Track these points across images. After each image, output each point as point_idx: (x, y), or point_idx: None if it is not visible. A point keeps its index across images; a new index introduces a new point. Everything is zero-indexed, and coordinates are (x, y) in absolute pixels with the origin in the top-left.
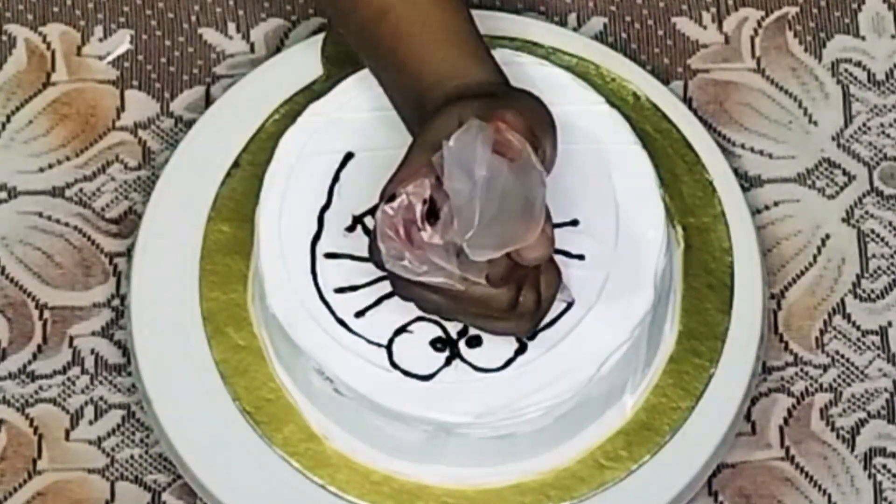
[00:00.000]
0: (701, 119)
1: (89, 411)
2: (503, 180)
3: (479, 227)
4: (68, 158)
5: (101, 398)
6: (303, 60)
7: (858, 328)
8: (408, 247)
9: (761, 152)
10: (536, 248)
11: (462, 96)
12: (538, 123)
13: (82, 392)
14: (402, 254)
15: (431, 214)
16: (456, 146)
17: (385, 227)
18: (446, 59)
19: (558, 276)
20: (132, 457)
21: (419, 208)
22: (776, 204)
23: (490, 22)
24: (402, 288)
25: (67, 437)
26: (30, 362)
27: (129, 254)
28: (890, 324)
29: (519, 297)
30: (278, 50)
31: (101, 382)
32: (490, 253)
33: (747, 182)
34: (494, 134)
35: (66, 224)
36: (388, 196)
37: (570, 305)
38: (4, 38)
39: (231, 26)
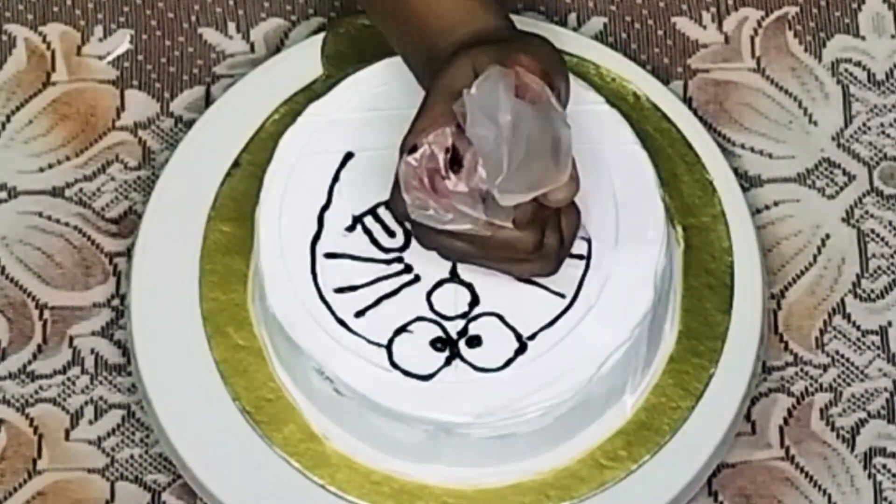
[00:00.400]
0: (701, 119)
1: (89, 411)
2: (528, 124)
3: (509, 172)
4: (68, 158)
5: (101, 398)
6: (303, 60)
7: (858, 328)
8: (433, 196)
9: (761, 152)
10: (563, 190)
11: (473, 43)
12: (551, 65)
13: (82, 392)
14: (427, 203)
15: (454, 162)
16: (478, 94)
17: (409, 177)
18: (454, 6)
19: (578, 215)
20: (132, 457)
21: (442, 157)
22: (776, 204)
23: None
24: (425, 237)
25: (67, 437)
26: (30, 362)
27: (129, 254)
28: (890, 324)
29: (544, 237)
30: (278, 50)
31: (101, 382)
32: (520, 197)
33: (747, 182)
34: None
35: (66, 224)
36: (409, 147)
37: (571, 304)
38: (4, 38)
39: (231, 26)
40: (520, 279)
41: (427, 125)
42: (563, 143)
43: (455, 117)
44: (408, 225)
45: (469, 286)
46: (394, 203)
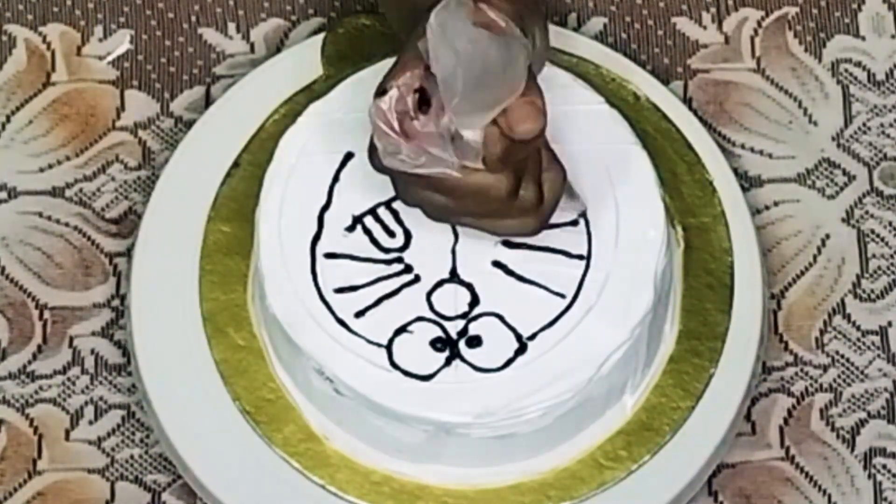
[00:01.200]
0: (701, 119)
1: (89, 411)
2: (484, 48)
3: (464, 93)
4: (68, 158)
5: (101, 398)
6: (303, 60)
7: (858, 328)
8: (404, 140)
9: (761, 152)
10: (526, 120)
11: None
12: (526, 9)
13: (82, 392)
14: (399, 148)
15: (424, 103)
16: (437, 23)
17: (379, 121)
18: None
19: (562, 174)
20: (132, 457)
21: (411, 98)
22: (776, 204)
23: None
24: (406, 193)
25: (67, 437)
26: (30, 362)
27: (129, 254)
28: (890, 324)
29: (519, 187)
30: (278, 50)
31: (101, 382)
32: (478, 118)
33: (747, 182)
34: (476, 13)
35: (66, 224)
36: (379, 92)
37: (571, 304)
38: (4, 38)
39: (231, 26)
40: (521, 280)
41: (398, 72)
42: (519, 61)
43: (424, 60)
44: (408, 225)
45: (469, 286)
46: (370, 154)
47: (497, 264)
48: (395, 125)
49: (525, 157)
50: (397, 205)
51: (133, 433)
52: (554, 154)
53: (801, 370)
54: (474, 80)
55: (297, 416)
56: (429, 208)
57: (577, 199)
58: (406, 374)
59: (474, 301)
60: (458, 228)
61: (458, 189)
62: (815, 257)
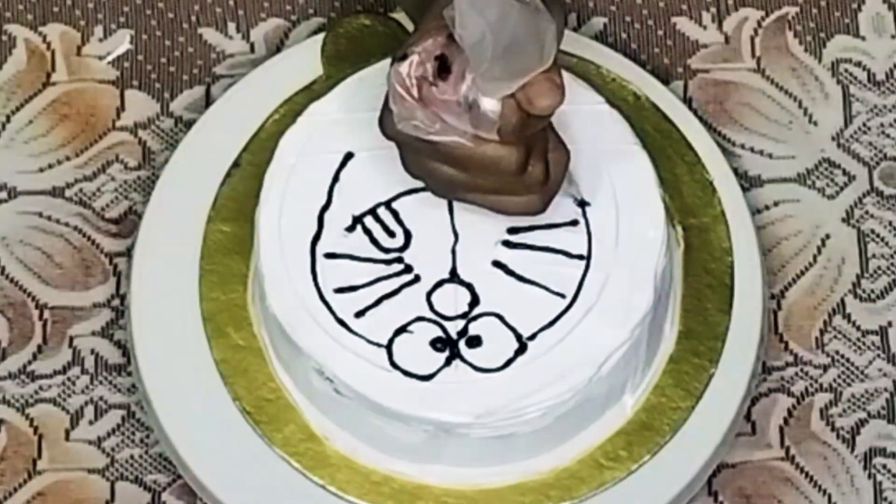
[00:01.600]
0: (701, 119)
1: (89, 411)
2: (514, 18)
3: (493, 59)
4: (68, 158)
5: (101, 398)
6: (303, 60)
7: (858, 328)
8: (420, 105)
9: (761, 152)
10: (546, 95)
11: None
12: None
13: (82, 392)
14: (414, 113)
15: (444, 70)
16: None
17: (397, 85)
18: None
19: (567, 156)
20: (132, 457)
21: (431, 65)
22: (776, 204)
23: None
24: (413, 163)
25: (67, 437)
26: (30, 362)
27: (129, 254)
28: (890, 324)
29: (528, 163)
30: (278, 50)
31: (101, 382)
32: (505, 86)
33: (747, 182)
34: None
35: (66, 224)
36: (399, 57)
37: (571, 304)
38: (4, 38)
39: (231, 26)
40: (521, 280)
41: (418, 39)
42: (547, 35)
43: (446, 29)
44: (407, 225)
45: (469, 286)
46: (382, 121)
47: (497, 264)
48: (413, 90)
49: (535, 133)
50: (397, 205)
51: (133, 433)
52: (559, 136)
53: (801, 370)
54: (503, 47)
55: (297, 416)
56: (435, 181)
57: (574, 183)
58: (406, 374)
59: (474, 301)
60: (458, 228)
61: (468, 160)
62: (815, 257)
